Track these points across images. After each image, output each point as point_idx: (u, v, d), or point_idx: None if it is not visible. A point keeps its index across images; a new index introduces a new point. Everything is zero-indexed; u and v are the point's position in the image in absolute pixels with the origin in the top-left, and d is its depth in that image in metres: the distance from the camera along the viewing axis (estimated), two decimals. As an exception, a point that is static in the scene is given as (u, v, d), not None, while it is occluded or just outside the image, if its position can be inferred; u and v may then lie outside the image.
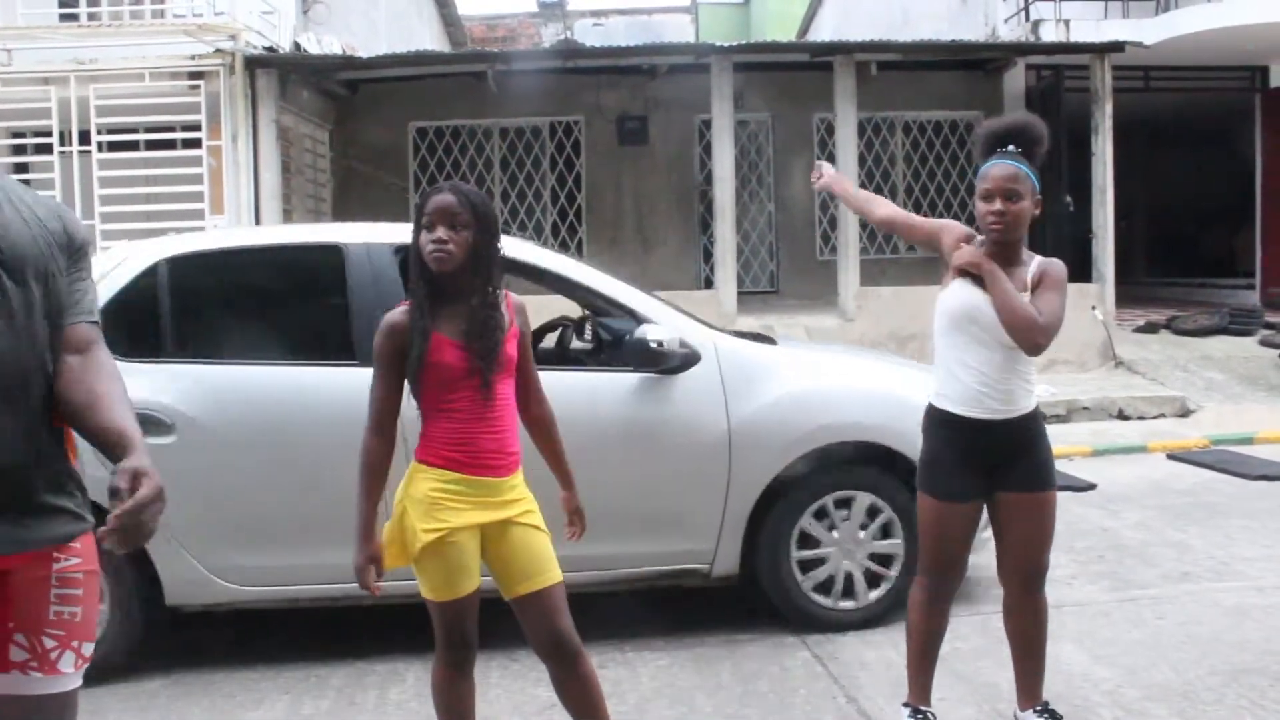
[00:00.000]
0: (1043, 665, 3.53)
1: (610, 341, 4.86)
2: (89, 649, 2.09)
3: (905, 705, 3.55)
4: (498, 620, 3.26)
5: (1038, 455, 3.38)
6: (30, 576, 1.99)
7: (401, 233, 4.26)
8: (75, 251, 2.12)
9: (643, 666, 4.27)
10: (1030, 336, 3.21)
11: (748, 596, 4.74)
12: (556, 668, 3.02)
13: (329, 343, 4.51)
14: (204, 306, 4.59)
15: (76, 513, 2.07)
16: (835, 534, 4.59)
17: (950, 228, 3.49)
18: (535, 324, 4.69)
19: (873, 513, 4.61)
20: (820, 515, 4.58)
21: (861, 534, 4.61)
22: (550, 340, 5.70)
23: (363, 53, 11.97)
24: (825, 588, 4.59)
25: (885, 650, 4.30)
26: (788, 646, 4.45)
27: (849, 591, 4.61)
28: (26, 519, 1.97)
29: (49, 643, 2.01)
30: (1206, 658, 4.18)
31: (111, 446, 1.98)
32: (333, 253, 4.50)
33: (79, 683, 2.09)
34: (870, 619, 4.59)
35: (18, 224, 1.99)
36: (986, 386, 3.30)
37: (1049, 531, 3.43)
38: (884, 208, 3.78)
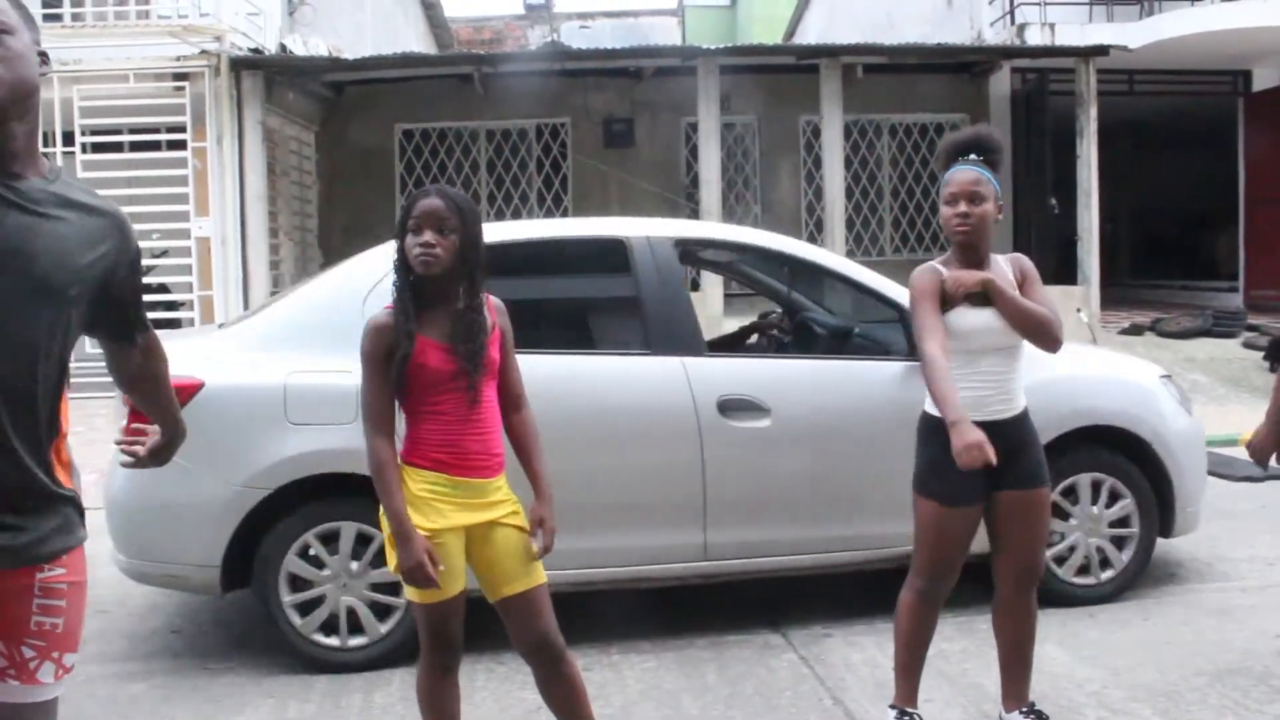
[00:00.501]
0: (1030, 666, 3.54)
1: (829, 333, 5.08)
2: (71, 659, 2.07)
3: (892, 707, 3.55)
4: (485, 623, 3.26)
5: (1034, 452, 3.43)
6: (11, 585, 1.97)
7: (680, 228, 4.76)
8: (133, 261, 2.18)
9: (628, 669, 4.27)
10: (1052, 334, 3.33)
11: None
12: (541, 670, 3.02)
13: (620, 333, 4.70)
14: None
15: (65, 527, 2.05)
16: (1075, 512, 4.81)
17: (930, 282, 3.35)
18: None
19: (1113, 495, 4.84)
20: (1068, 493, 4.79)
21: (1098, 511, 4.83)
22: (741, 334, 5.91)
23: (349, 54, 11.97)
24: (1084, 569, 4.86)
25: (871, 652, 4.31)
26: (774, 648, 4.45)
27: (1086, 569, 4.85)
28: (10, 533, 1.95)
29: (28, 652, 1.98)
30: (1191, 659, 4.20)
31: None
32: (617, 246, 4.64)
33: (59, 693, 2.07)
34: (1103, 597, 4.84)
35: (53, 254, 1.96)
36: (993, 391, 3.34)
37: (1044, 529, 3.47)
38: (943, 359, 3.33)
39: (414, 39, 18.19)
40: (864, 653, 4.32)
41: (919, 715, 3.53)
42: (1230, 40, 12.70)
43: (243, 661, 4.46)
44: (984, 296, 3.32)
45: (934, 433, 3.39)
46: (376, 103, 13.46)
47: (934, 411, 3.39)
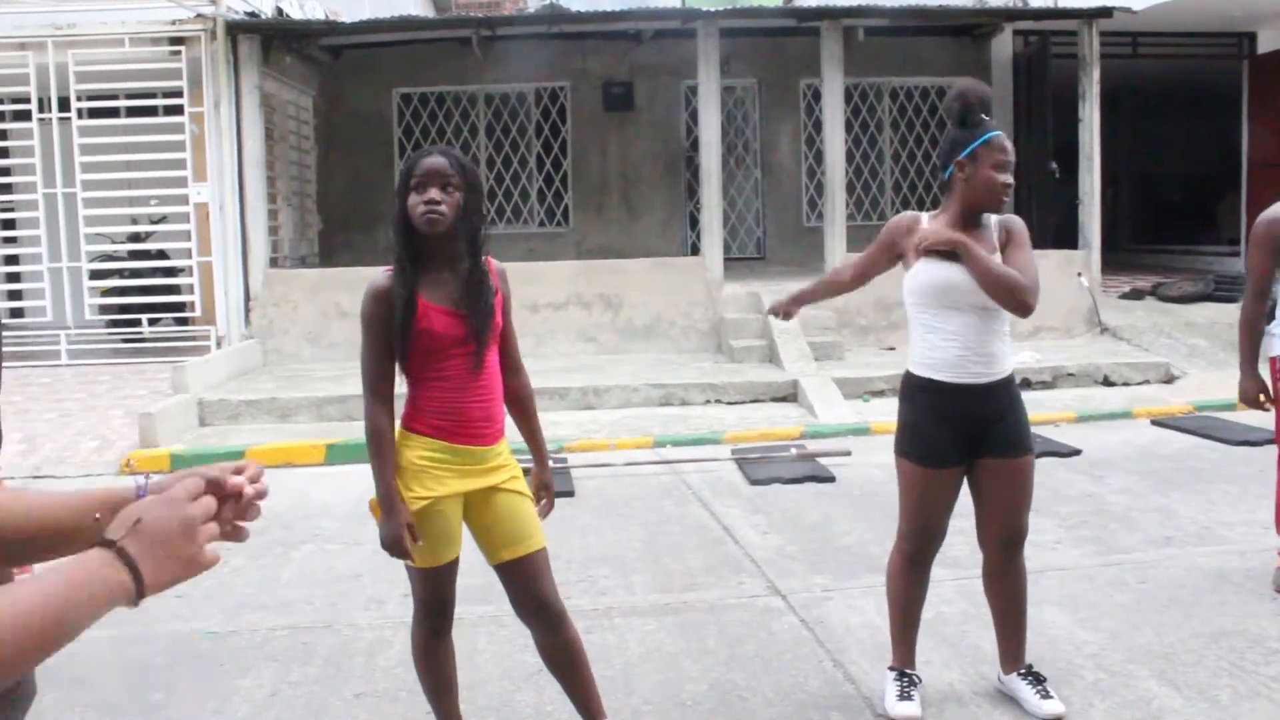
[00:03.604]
0: (1024, 628, 3.57)
1: None
2: None
3: (891, 669, 3.57)
4: (487, 586, 3.27)
5: (1016, 420, 3.41)
6: None
7: None
8: None
9: (629, 632, 4.29)
10: (1018, 298, 3.25)
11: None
12: (541, 633, 3.04)
13: None
14: None
15: None
16: None
17: (894, 226, 3.48)
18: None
19: None
20: None
21: None
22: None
23: (346, 18, 11.85)
24: None
25: (870, 615, 4.33)
26: (774, 611, 4.48)
27: None
28: None
29: None
30: (1188, 621, 4.22)
31: None
32: None
33: None
34: None
35: None
36: (967, 351, 3.32)
37: (1028, 496, 3.46)
38: (843, 273, 3.85)
39: (412, 2, 18.02)
40: (863, 615, 4.35)
41: (917, 676, 3.55)
42: (1234, 2, 12.58)
43: (246, 625, 4.49)
44: (954, 253, 3.31)
45: (916, 392, 3.40)
46: (374, 67, 13.36)
47: (917, 372, 3.40)
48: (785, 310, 3.80)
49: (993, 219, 3.44)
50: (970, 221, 3.38)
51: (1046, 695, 3.44)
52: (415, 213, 2.80)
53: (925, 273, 3.34)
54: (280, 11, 11.53)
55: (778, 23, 12.49)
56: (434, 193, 2.79)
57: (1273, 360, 4.59)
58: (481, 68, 13.33)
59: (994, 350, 3.36)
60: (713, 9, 11.64)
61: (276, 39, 11.47)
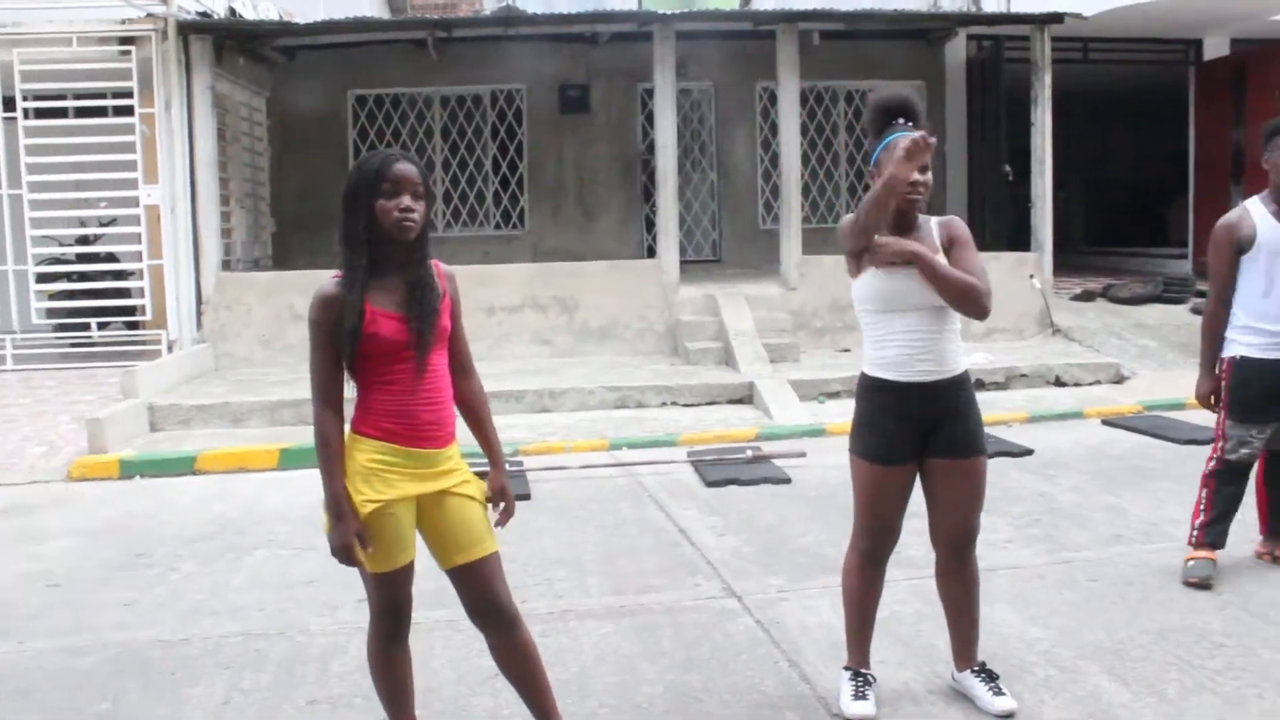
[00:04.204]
0: (977, 626, 3.60)
1: None
2: None
3: (846, 669, 3.59)
4: (442, 590, 3.25)
5: (968, 420, 3.44)
6: None
7: None
8: None
9: (585, 635, 4.28)
10: (977, 301, 3.30)
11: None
12: (494, 637, 3.03)
13: None
14: None
15: None
16: None
17: (844, 232, 3.42)
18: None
19: None
20: None
21: None
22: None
23: (300, 19, 11.75)
24: None
25: (826, 616, 4.35)
26: (730, 613, 4.49)
27: None
28: None
29: None
30: (1137, 618, 4.28)
31: None
32: None
33: None
34: None
35: None
36: (917, 349, 3.35)
37: (980, 496, 3.49)
38: None
39: (367, 3, 17.90)
40: (819, 616, 4.37)
41: (872, 676, 3.57)
42: (1181, 9, 12.78)
43: (197, 633, 4.43)
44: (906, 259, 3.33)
45: (871, 392, 3.43)
46: (329, 68, 13.26)
47: (869, 372, 3.43)
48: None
49: (931, 220, 3.46)
50: (902, 225, 3.39)
51: (999, 692, 3.48)
52: (389, 219, 2.79)
53: (874, 281, 3.36)
54: (233, 12, 11.42)
55: (733, 26, 12.54)
56: (407, 200, 2.80)
57: (1225, 361, 4.67)
58: (437, 69, 13.27)
59: (944, 349, 3.38)
60: (669, 12, 11.67)
61: (229, 39, 11.35)
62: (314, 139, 13.43)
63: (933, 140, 3.12)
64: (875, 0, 13.47)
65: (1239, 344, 4.62)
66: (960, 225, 3.47)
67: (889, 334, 3.37)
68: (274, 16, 11.89)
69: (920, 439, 3.39)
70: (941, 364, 3.39)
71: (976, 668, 3.57)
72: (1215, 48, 14.62)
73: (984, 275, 3.34)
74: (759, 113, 14.10)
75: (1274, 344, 4.55)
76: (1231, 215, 4.67)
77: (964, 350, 3.47)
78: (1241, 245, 4.58)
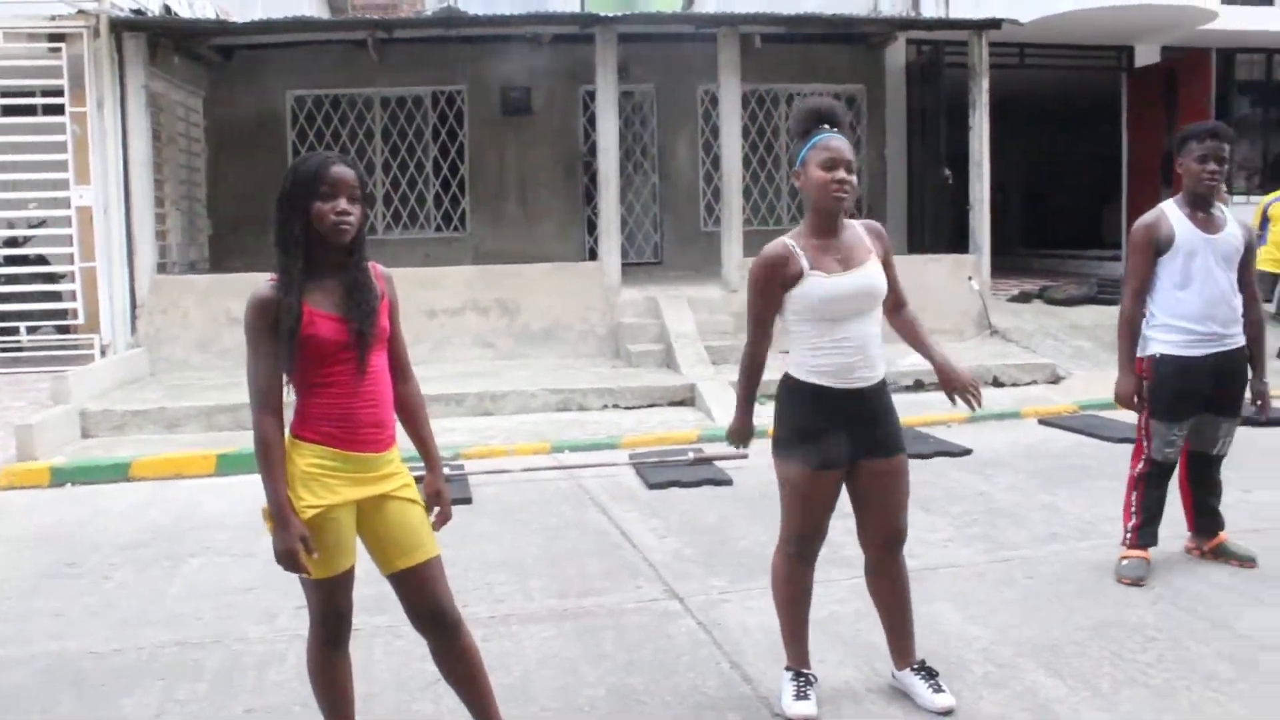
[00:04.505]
0: (911, 624, 3.64)
1: None
2: None
3: (787, 669, 3.61)
4: (383, 595, 3.22)
5: (891, 420, 3.50)
6: None
7: None
8: None
9: (527, 639, 4.26)
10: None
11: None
12: (436, 641, 3.01)
13: None
14: None
15: None
16: None
17: (771, 265, 3.43)
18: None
19: None
20: None
21: None
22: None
23: (237, 17, 11.61)
24: None
25: (767, 616, 4.34)
26: (672, 615, 4.49)
27: None
28: None
29: None
30: (1072, 614, 4.35)
31: None
32: None
33: None
34: None
35: None
36: (859, 356, 3.40)
37: (906, 494, 3.53)
38: (758, 348, 3.59)
39: (306, 2, 17.71)
40: (760, 617, 4.38)
41: (813, 675, 3.59)
42: (1114, 16, 13.05)
43: (131, 643, 4.34)
44: (844, 262, 3.37)
45: (803, 398, 3.44)
46: (267, 68, 13.10)
47: (803, 378, 3.44)
48: (746, 438, 3.72)
49: (856, 224, 3.50)
50: (827, 228, 3.42)
51: (938, 689, 3.52)
52: (325, 221, 2.78)
53: (816, 288, 3.37)
54: (168, 9, 11.23)
55: (676, 29, 12.57)
56: (344, 203, 2.78)
57: (1143, 360, 4.77)
58: (378, 70, 13.17)
59: (875, 354, 3.44)
60: (611, 14, 11.66)
61: (164, 38, 11.17)
62: (252, 140, 13.25)
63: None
64: (817, 4, 13.59)
65: (1158, 342, 4.73)
66: (887, 238, 3.56)
67: (828, 342, 3.39)
68: (210, 15, 11.73)
69: (851, 443, 3.42)
70: (874, 369, 3.44)
71: (915, 665, 3.60)
72: (1147, 55, 14.94)
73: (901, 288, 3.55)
74: (701, 115, 14.15)
75: (1192, 341, 4.66)
76: (1149, 216, 4.78)
77: (887, 353, 3.52)
78: (1160, 245, 4.68)
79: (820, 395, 3.41)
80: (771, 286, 3.44)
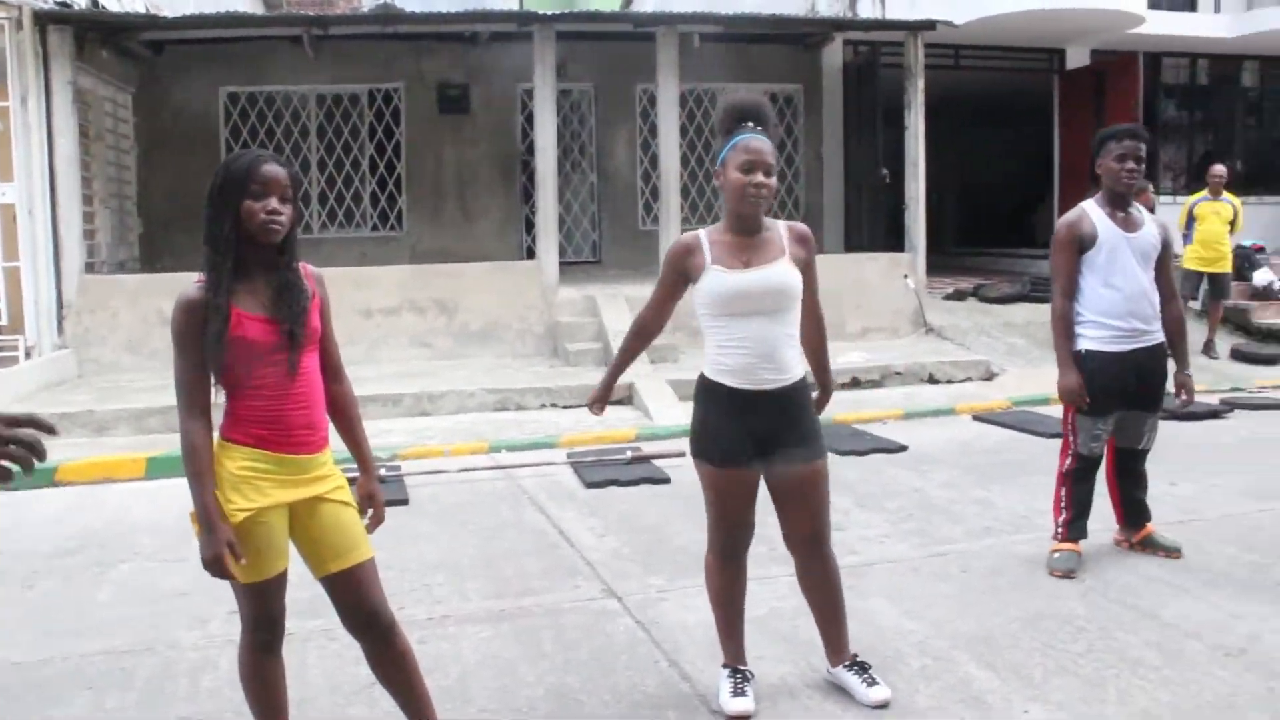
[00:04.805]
0: (844, 620, 3.67)
1: None
2: None
3: (724, 666, 3.62)
4: (315, 599, 3.18)
5: (806, 424, 3.48)
6: None
7: None
8: None
9: (464, 640, 4.23)
10: None
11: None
12: (371, 645, 2.97)
13: None
14: None
15: None
16: None
17: (678, 253, 3.48)
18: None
19: None
20: None
21: None
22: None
23: (168, 12, 11.41)
24: None
25: (705, 614, 4.34)
26: (610, 613, 4.49)
27: None
28: None
29: None
30: (1006, 607, 4.42)
31: None
32: None
33: None
34: None
35: None
36: (758, 358, 3.39)
37: (824, 498, 3.53)
38: (645, 324, 3.72)
39: (239, -2, 17.46)
40: (698, 614, 4.38)
41: (750, 672, 3.61)
42: (1045, 19, 13.27)
43: (58, 653, 4.24)
44: (750, 261, 3.39)
45: (710, 396, 3.45)
46: (200, 64, 12.88)
47: (711, 376, 3.45)
48: (601, 403, 3.78)
49: (780, 224, 3.51)
50: (743, 227, 3.43)
51: (873, 683, 3.55)
52: (256, 221, 2.73)
53: (715, 283, 3.38)
54: (95, 3, 11.00)
55: (614, 28, 12.56)
56: (275, 202, 2.74)
57: (1075, 355, 4.86)
58: (313, 67, 13.01)
59: (784, 356, 3.41)
60: (549, 13, 11.63)
61: (92, 32, 10.92)
62: (184, 137, 13.02)
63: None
64: (754, 4, 13.67)
65: (1085, 338, 4.82)
66: (812, 242, 3.55)
67: (730, 340, 3.40)
68: (140, 9, 11.50)
69: (761, 444, 3.43)
70: (782, 372, 3.41)
71: (849, 661, 3.64)
72: (1077, 58, 15.22)
73: (817, 299, 3.59)
74: (639, 114, 14.16)
75: (1116, 337, 4.76)
76: (1071, 215, 4.87)
77: (802, 356, 3.53)
78: (1083, 243, 4.78)
79: (726, 394, 3.41)
80: (672, 271, 3.49)
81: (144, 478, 7.18)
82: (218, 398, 2.83)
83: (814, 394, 3.61)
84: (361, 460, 3.09)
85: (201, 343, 2.74)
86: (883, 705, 3.50)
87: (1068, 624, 4.20)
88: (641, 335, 3.72)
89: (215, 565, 2.73)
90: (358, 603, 2.92)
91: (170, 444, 7.50)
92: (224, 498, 2.76)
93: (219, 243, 2.76)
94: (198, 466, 2.75)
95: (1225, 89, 16.35)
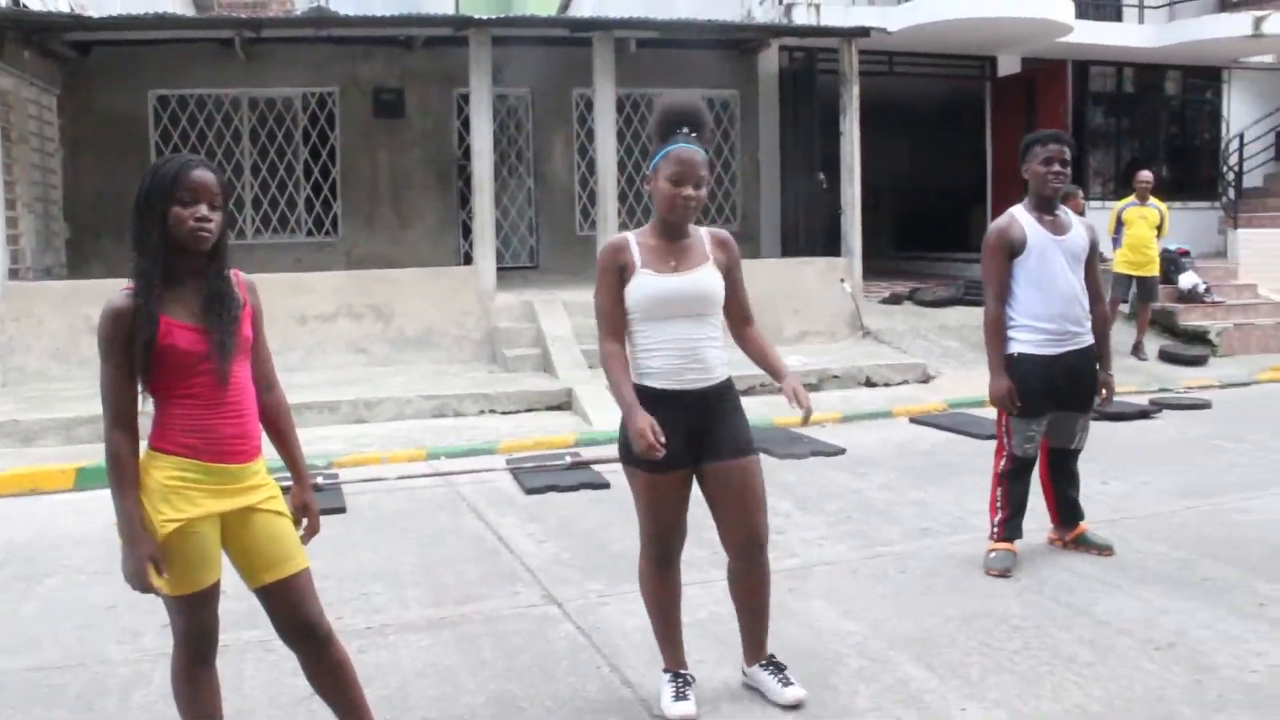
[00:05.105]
0: (767, 622, 3.68)
1: None
2: None
3: (665, 671, 3.62)
4: (252, 610, 3.12)
5: (736, 422, 3.51)
6: None
7: None
8: None
9: (404, 648, 4.19)
10: None
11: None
12: (308, 656, 2.94)
13: None
14: None
15: None
16: None
17: (612, 255, 3.44)
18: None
19: None
20: None
21: None
22: None
23: (94, 12, 11.16)
24: None
25: (646, 619, 4.32)
26: (551, 620, 4.47)
27: None
28: None
29: None
30: (943, 607, 4.47)
31: None
32: None
33: None
34: None
35: None
36: (685, 359, 3.41)
37: (759, 495, 3.54)
38: (615, 345, 3.49)
39: (168, -1, 17.17)
40: (639, 619, 4.36)
41: (691, 676, 3.62)
42: (976, 27, 13.48)
43: (-20, 667, 4.13)
44: (677, 266, 3.40)
45: (639, 400, 3.43)
46: (128, 66, 12.63)
47: (640, 380, 3.45)
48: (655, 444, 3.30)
49: (702, 231, 3.53)
50: (669, 233, 3.45)
51: (788, 683, 3.58)
52: (184, 228, 2.68)
53: (645, 286, 3.39)
54: (16, 2, 10.74)
55: (550, 32, 12.54)
56: (204, 209, 2.70)
57: (1007, 358, 4.93)
58: (246, 71, 12.82)
59: (708, 356, 3.44)
60: (485, 17, 11.58)
61: (13, 31, 10.66)
62: (112, 141, 12.75)
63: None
64: (691, 9, 13.72)
65: (1017, 342, 4.90)
66: (735, 247, 3.58)
67: (656, 343, 3.41)
68: (64, 9, 11.25)
69: (689, 445, 3.43)
70: (708, 372, 3.44)
71: (765, 661, 3.66)
72: (1009, 65, 15.47)
73: (748, 301, 3.59)
74: (576, 119, 14.14)
75: (1048, 340, 4.85)
76: (1001, 221, 4.96)
77: (726, 356, 3.54)
78: (1014, 248, 4.86)
79: (653, 397, 3.40)
80: (612, 270, 3.44)
81: (73, 489, 7.02)
82: (146, 407, 2.77)
83: (780, 387, 3.56)
84: (295, 469, 3.04)
85: (129, 351, 2.69)
86: (797, 705, 3.53)
87: (1004, 622, 4.26)
88: (620, 356, 3.49)
89: (137, 579, 2.69)
90: (293, 613, 2.88)
91: (100, 455, 7.33)
92: (153, 508, 2.71)
93: (147, 250, 2.71)
94: (121, 477, 2.70)
95: (1150, 97, 16.73)
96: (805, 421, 3.59)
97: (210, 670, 2.92)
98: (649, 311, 3.40)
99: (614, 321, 3.46)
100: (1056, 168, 4.81)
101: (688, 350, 3.40)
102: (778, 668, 3.63)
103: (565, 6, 21.61)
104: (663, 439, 3.25)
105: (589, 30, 11.65)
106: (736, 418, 3.51)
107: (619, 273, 3.44)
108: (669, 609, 3.61)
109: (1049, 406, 4.92)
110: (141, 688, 3.90)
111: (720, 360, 3.48)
